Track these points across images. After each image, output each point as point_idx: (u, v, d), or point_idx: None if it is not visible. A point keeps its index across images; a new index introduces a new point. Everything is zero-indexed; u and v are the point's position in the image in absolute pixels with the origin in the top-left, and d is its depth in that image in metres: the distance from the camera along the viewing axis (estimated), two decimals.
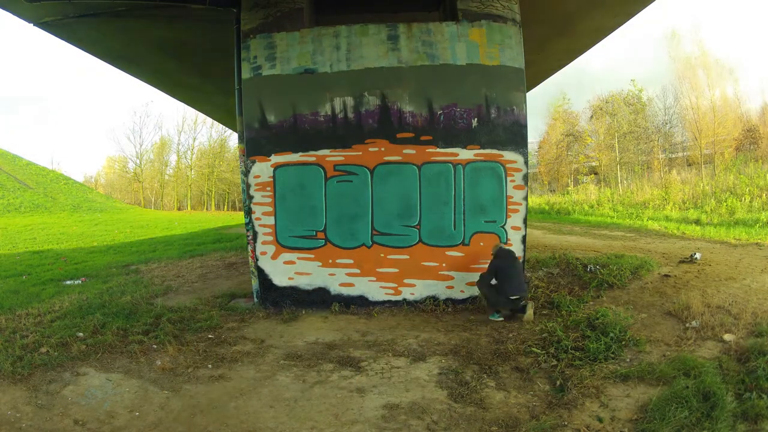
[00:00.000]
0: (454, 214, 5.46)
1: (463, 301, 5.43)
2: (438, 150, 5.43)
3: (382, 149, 5.46)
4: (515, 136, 5.46)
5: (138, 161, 41.56)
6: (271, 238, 5.57)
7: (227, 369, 3.80)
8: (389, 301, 5.47)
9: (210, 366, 3.85)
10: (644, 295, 5.11)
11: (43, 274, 7.97)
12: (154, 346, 4.21)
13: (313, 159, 5.51)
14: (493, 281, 4.94)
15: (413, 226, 5.49)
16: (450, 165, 5.44)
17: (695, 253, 6.50)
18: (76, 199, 30.10)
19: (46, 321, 4.95)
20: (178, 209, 40.22)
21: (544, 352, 3.86)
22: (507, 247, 5.28)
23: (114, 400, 3.30)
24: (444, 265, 5.47)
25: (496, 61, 5.44)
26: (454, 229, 5.47)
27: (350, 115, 5.50)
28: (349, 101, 5.49)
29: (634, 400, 3.05)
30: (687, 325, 4.14)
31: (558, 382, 3.35)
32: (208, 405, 3.22)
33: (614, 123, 27.62)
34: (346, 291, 5.50)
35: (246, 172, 5.67)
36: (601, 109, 28.56)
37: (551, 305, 5.06)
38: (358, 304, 5.46)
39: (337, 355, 4.03)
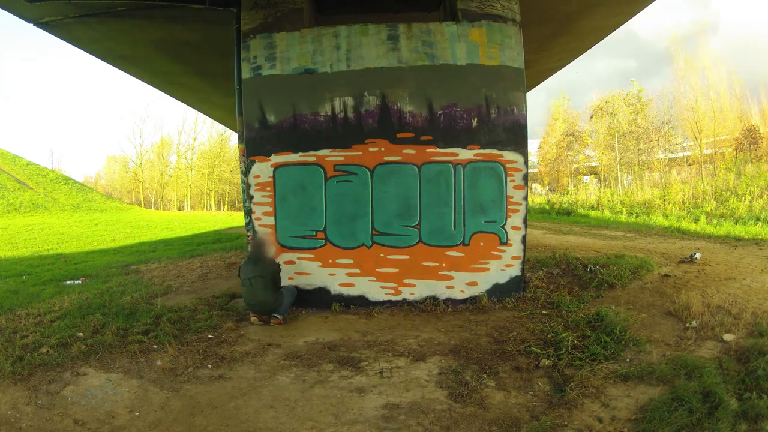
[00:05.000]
0: (454, 214, 5.46)
1: (463, 301, 5.43)
2: (438, 150, 5.43)
3: (382, 149, 5.47)
4: (515, 136, 5.46)
5: (138, 161, 41.58)
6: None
7: (227, 369, 3.80)
8: (389, 301, 5.47)
9: (210, 366, 3.85)
10: (644, 295, 5.11)
11: (43, 274, 7.97)
12: (154, 346, 4.21)
13: (313, 159, 5.51)
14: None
15: (413, 226, 5.49)
16: (450, 165, 5.44)
17: (695, 253, 6.49)
18: (76, 199, 30.10)
19: (46, 321, 4.95)
20: (178, 209, 40.24)
21: (544, 352, 3.86)
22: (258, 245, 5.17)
23: (114, 400, 3.30)
24: (444, 265, 5.47)
25: (496, 61, 5.45)
26: (454, 229, 5.47)
27: (350, 115, 5.50)
28: (349, 101, 5.49)
29: (634, 400, 3.05)
30: (687, 325, 4.14)
31: (558, 382, 3.35)
32: (208, 405, 3.22)
33: (614, 123, 27.65)
34: (346, 291, 5.50)
35: (246, 172, 5.67)
36: (601, 109, 28.60)
37: (551, 305, 5.06)
38: (358, 304, 5.46)
39: (337, 355, 4.03)
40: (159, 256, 10.00)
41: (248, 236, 5.84)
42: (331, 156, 5.50)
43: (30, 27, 6.43)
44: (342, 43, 5.50)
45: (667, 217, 12.59)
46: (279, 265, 5.17)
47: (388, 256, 5.50)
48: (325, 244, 5.54)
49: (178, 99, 11.83)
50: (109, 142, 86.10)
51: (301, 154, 5.52)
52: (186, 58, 8.23)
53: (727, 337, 3.80)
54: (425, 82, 5.45)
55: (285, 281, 5.48)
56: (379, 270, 5.50)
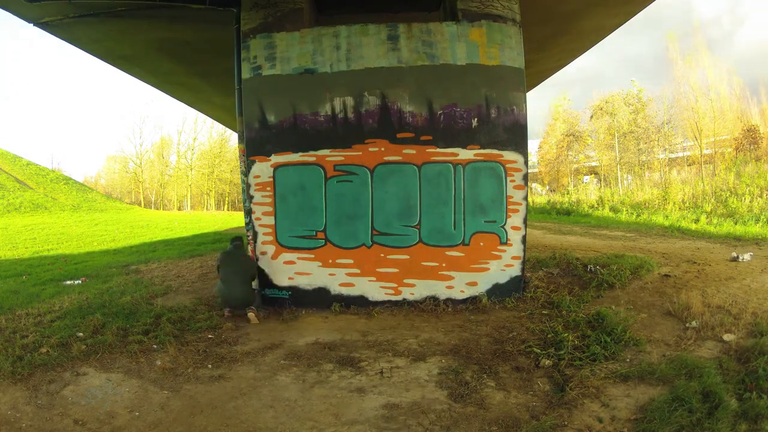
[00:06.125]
0: (454, 214, 5.46)
1: (463, 301, 5.43)
2: (438, 150, 5.43)
3: (382, 149, 5.47)
4: (515, 136, 5.46)
5: (138, 161, 41.58)
6: (271, 238, 5.57)
7: (227, 369, 3.80)
8: (389, 301, 5.47)
9: (210, 366, 3.86)
10: (644, 295, 5.11)
11: (43, 274, 7.97)
12: (154, 346, 4.22)
13: (313, 159, 5.51)
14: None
15: (413, 226, 5.49)
16: (450, 165, 5.44)
17: (740, 255, 6.37)
18: (76, 199, 30.09)
19: (46, 321, 4.95)
20: (178, 209, 40.23)
21: (544, 352, 3.86)
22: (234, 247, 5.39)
23: (114, 400, 3.30)
24: (444, 265, 5.47)
25: (496, 61, 5.45)
26: (454, 229, 5.47)
27: (350, 115, 5.50)
28: (349, 101, 5.49)
29: (634, 400, 3.05)
30: (687, 325, 4.15)
31: (558, 382, 3.35)
32: (208, 405, 3.22)
33: (614, 123, 27.65)
34: (346, 291, 5.50)
35: (246, 172, 5.67)
36: (601, 108, 28.59)
37: (551, 305, 5.06)
38: (358, 304, 5.46)
39: (337, 355, 4.03)
40: (159, 256, 10.00)
41: (248, 236, 5.84)
42: (331, 156, 5.50)
43: (30, 27, 6.44)
44: (342, 43, 5.50)
45: (667, 217, 12.60)
46: (256, 262, 5.31)
47: (388, 256, 5.50)
48: (325, 244, 5.54)
49: (178, 99, 11.83)
50: (109, 142, 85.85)
51: (301, 154, 5.52)
52: (186, 58, 8.23)
53: (727, 337, 3.80)
54: (425, 82, 5.44)
55: (285, 281, 5.49)
56: (379, 270, 5.50)
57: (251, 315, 5.03)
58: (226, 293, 5.08)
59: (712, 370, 3.19)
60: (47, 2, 5.69)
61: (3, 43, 71.41)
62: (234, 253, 5.29)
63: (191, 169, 41.16)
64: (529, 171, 6.00)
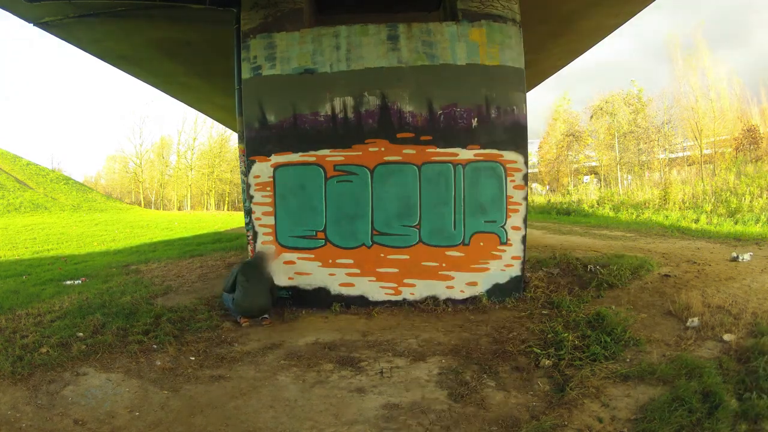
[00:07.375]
0: (454, 214, 5.46)
1: (463, 301, 5.43)
2: (438, 150, 5.43)
3: (382, 149, 5.47)
4: (515, 136, 5.46)
5: (138, 161, 41.60)
6: (271, 238, 5.58)
7: (227, 369, 3.80)
8: (389, 301, 5.47)
9: (210, 366, 3.85)
10: (644, 295, 5.11)
11: (43, 275, 7.97)
12: (154, 346, 4.22)
13: (313, 159, 5.51)
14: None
15: (413, 226, 5.49)
16: (450, 165, 5.44)
17: (741, 255, 6.34)
18: (76, 199, 30.09)
19: (46, 321, 4.94)
20: (179, 209, 40.24)
21: (544, 352, 3.86)
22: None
23: (114, 400, 3.30)
24: (444, 265, 5.47)
25: (496, 61, 5.44)
26: (454, 229, 5.47)
27: (350, 115, 5.50)
28: (349, 101, 5.49)
29: (634, 400, 3.05)
30: (687, 325, 4.14)
31: (558, 382, 3.35)
32: (208, 405, 3.22)
33: (614, 123, 27.67)
34: (346, 291, 5.50)
35: (246, 172, 5.67)
36: (601, 108, 28.60)
37: (551, 305, 5.06)
38: (359, 304, 5.46)
39: (337, 355, 4.03)
40: (159, 256, 10.00)
41: (248, 236, 5.84)
42: (331, 156, 5.50)
43: (30, 27, 6.44)
44: (342, 43, 5.50)
45: (667, 217, 12.59)
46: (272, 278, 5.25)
47: (388, 256, 5.50)
48: (325, 244, 5.54)
49: (178, 99, 11.84)
50: (109, 142, 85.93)
51: (301, 154, 5.52)
52: (186, 58, 8.23)
53: (727, 337, 3.80)
54: (425, 82, 5.44)
55: (285, 281, 5.49)
56: (379, 270, 5.50)
57: (266, 323, 4.95)
58: (247, 302, 4.88)
59: (712, 370, 3.19)
60: (47, 2, 5.69)
61: (3, 43, 71.34)
62: (256, 264, 5.19)
63: (191, 169, 41.17)
64: (529, 171, 6.00)
